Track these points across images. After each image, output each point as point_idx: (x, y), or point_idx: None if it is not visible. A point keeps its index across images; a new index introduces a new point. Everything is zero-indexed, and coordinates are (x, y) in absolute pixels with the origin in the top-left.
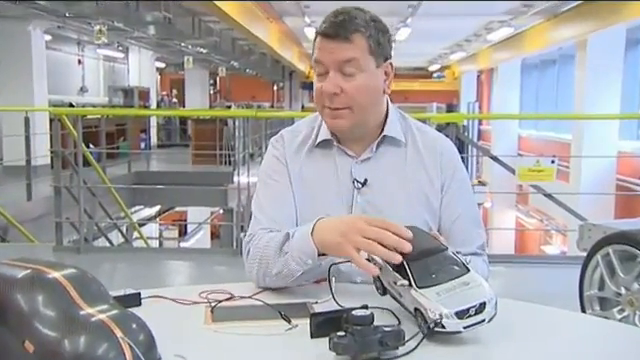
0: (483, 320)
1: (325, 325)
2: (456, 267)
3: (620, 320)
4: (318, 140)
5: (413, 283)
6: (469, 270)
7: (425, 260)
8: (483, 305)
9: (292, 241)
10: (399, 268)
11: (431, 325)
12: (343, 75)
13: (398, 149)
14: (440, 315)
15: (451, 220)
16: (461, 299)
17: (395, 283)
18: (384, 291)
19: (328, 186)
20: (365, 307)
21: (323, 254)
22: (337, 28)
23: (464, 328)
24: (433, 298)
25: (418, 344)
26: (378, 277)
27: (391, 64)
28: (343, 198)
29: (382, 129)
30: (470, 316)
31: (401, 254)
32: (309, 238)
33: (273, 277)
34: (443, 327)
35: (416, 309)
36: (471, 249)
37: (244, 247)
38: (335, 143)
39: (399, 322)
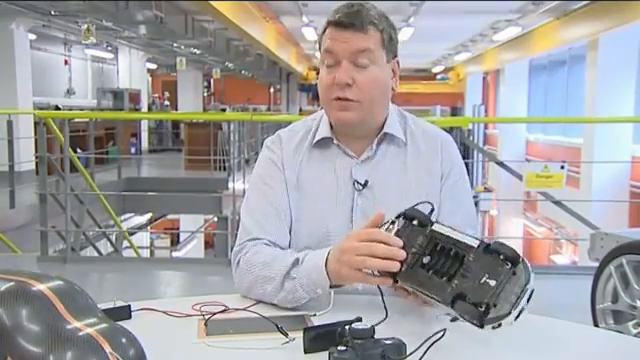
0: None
1: (320, 339)
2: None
3: (636, 335)
4: (317, 138)
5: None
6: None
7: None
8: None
9: (302, 268)
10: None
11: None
12: (355, 66)
13: (398, 148)
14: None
15: (442, 215)
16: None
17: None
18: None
19: (327, 189)
20: (359, 319)
21: (335, 285)
22: (353, 18)
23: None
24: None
25: (422, 356)
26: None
27: (398, 62)
28: (343, 201)
29: (382, 127)
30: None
31: None
32: (323, 271)
33: (273, 301)
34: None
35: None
36: None
37: (233, 258)
38: (335, 141)
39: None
